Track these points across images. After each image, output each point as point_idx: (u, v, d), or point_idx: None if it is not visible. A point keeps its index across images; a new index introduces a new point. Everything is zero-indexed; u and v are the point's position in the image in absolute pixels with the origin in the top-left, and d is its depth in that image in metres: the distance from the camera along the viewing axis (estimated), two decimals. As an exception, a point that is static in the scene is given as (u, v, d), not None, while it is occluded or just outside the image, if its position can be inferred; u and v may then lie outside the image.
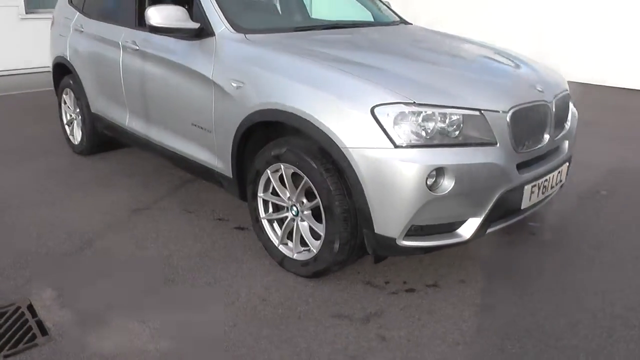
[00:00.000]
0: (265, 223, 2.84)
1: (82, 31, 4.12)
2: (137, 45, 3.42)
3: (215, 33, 2.94)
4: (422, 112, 2.27)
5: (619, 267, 2.89)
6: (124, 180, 4.04)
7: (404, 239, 2.36)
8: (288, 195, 2.69)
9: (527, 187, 2.55)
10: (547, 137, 2.68)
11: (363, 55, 2.78)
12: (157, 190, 3.86)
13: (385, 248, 2.42)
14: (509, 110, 2.44)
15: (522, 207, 2.59)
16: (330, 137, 2.36)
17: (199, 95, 2.99)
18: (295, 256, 2.71)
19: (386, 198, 2.29)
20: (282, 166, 2.62)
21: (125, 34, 3.57)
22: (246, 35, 2.91)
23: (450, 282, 2.73)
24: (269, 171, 2.70)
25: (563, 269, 2.87)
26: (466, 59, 3.00)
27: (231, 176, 2.97)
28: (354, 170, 2.32)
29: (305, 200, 2.63)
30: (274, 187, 2.77)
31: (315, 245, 2.61)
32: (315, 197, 2.54)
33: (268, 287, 2.66)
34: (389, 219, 2.32)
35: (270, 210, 2.84)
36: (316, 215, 2.60)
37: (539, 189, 2.64)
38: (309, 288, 2.65)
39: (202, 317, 2.42)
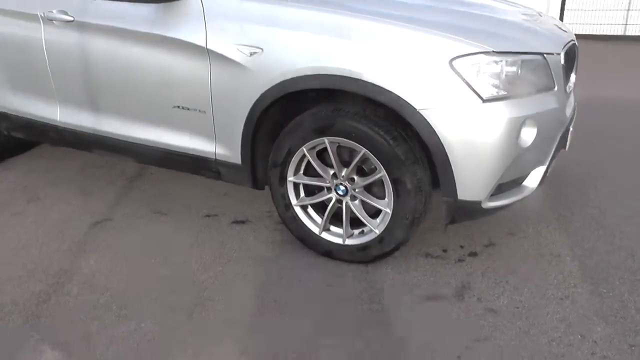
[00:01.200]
0: (298, 210, 2.43)
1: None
2: (71, 16, 2.64)
3: (200, -10, 2.35)
4: (501, 60, 2.04)
5: (625, 194, 3.03)
6: (54, 191, 3.21)
7: (489, 201, 2.16)
8: (332, 172, 2.31)
9: (571, 129, 2.50)
10: (574, 77, 2.63)
11: (402, 8, 2.34)
12: (104, 196, 3.14)
13: (468, 214, 2.19)
14: (561, 51, 2.33)
15: (566, 149, 2.54)
16: (401, 99, 2.02)
17: (185, 70, 2.40)
18: (347, 242, 2.36)
19: (473, 159, 2.05)
20: (326, 140, 2.22)
21: (45, 2, 2.74)
22: (247, -10, 2.37)
23: (500, 237, 2.61)
24: (304, 149, 2.28)
25: (586, 205, 2.92)
26: (492, 7, 2.70)
27: (240, 162, 2.48)
28: (434, 133, 2.03)
29: (356, 177, 2.28)
30: (306, 168, 2.37)
31: (375, 225, 2.28)
32: (367, 172, 2.23)
33: (329, 283, 2.29)
34: (476, 182, 2.09)
35: (302, 194, 2.43)
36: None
37: (572, 129, 2.61)
38: (371, 275, 2.33)
39: (294, 333, 1.98)
